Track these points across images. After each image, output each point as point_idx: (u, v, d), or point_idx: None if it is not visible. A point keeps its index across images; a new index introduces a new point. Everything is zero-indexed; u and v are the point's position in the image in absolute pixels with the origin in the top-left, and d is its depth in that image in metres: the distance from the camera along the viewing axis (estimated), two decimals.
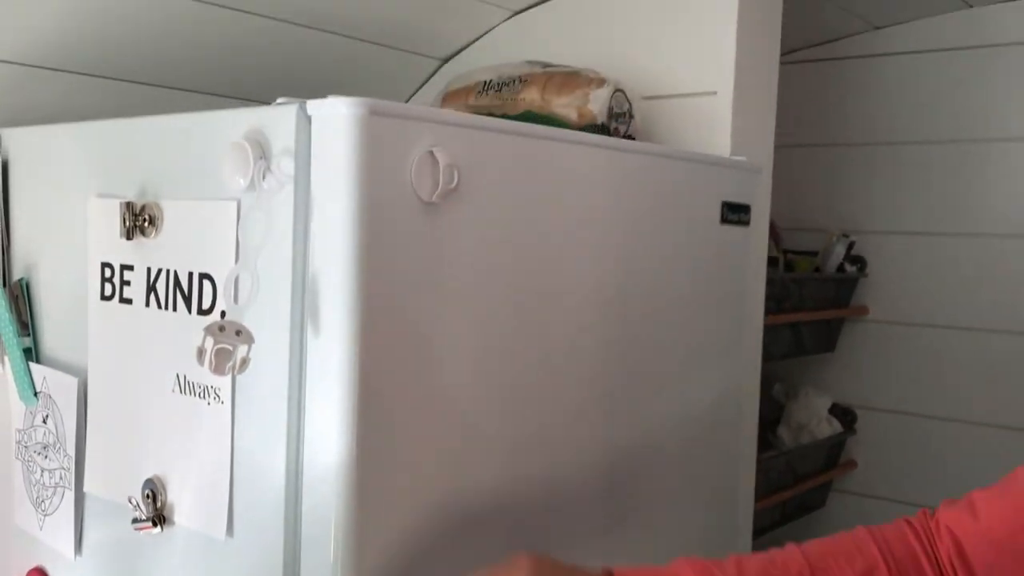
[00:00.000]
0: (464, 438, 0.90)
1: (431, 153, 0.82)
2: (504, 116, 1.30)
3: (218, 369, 0.79)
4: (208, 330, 0.79)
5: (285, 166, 0.81)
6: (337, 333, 0.78)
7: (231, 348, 0.79)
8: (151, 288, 0.94)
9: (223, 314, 0.85)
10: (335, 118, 0.79)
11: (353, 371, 0.78)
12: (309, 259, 0.80)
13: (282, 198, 0.81)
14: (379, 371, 0.80)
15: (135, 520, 0.93)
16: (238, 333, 0.79)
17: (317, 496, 0.81)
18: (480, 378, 0.91)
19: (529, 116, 1.29)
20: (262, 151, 0.82)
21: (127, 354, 0.97)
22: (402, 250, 0.82)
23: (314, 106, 0.80)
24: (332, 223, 0.79)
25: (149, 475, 0.94)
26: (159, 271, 0.93)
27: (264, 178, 0.82)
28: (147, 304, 0.94)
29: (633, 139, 1.30)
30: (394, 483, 0.83)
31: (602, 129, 1.26)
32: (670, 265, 1.15)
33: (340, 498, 0.79)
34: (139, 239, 0.94)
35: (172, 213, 0.92)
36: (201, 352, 0.79)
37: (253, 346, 0.80)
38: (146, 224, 0.93)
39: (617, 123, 1.28)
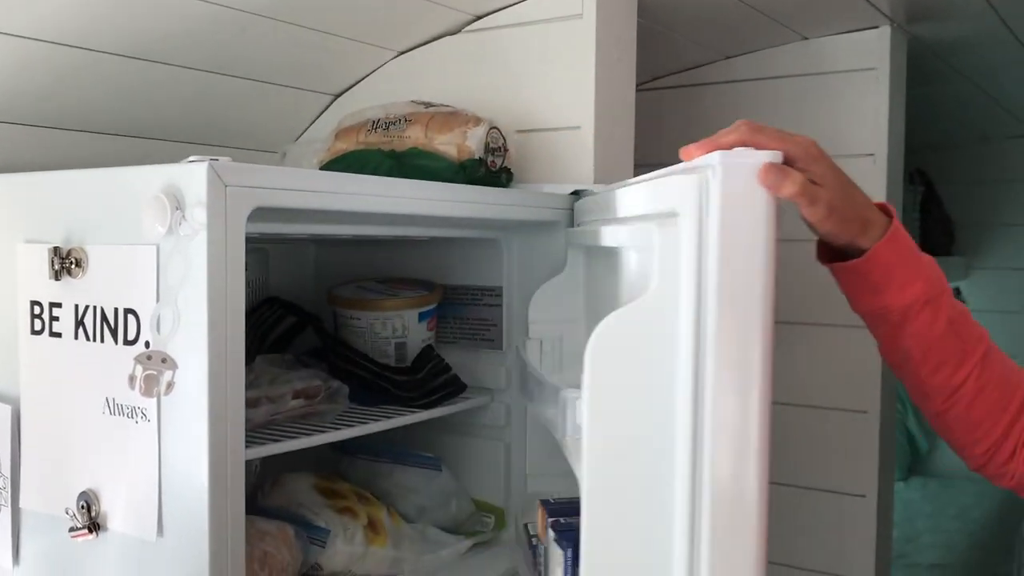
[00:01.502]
0: None
1: None
2: (392, 152, 1.45)
3: (147, 392, 0.92)
4: (138, 359, 0.92)
5: (198, 215, 0.95)
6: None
7: (157, 374, 0.92)
8: (79, 323, 1.06)
9: (147, 344, 0.98)
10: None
11: None
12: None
13: (197, 243, 0.95)
14: None
15: (72, 529, 1.05)
16: (163, 361, 0.92)
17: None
18: None
19: (415, 152, 1.44)
20: (178, 203, 0.96)
21: (58, 382, 1.09)
22: None
23: (219, 165, 0.95)
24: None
25: (83, 488, 1.05)
26: (87, 307, 1.05)
27: (180, 225, 0.95)
28: (76, 337, 1.06)
29: (508, 169, 1.47)
30: None
31: (480, 163, 1.41)
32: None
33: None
34: (66, 280, 1.06)
35: (97, 257, 1.04)
36: (132, 378, 0.92)
37: (177, 371, 0.93)
38: (73, 266, 1.05)
39: (493, 156, 1.44)
